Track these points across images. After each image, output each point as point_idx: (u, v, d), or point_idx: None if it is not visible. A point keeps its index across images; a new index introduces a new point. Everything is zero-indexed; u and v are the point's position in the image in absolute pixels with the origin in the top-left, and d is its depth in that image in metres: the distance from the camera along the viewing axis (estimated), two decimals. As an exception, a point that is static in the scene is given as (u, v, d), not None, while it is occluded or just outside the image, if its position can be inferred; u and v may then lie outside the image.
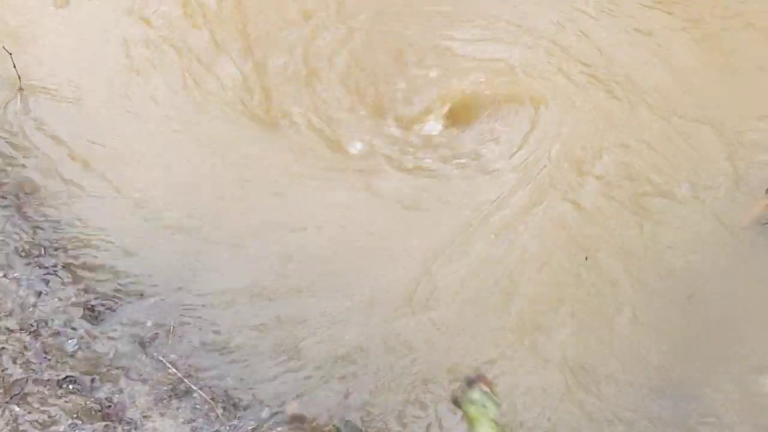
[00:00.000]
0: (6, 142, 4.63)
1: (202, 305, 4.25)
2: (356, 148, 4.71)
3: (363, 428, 3.89)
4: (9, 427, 3.74)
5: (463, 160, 4.68)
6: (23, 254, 4.30)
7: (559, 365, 4.14)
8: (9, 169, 4.61)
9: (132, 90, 4.80)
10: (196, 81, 4.84)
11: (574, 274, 4.36)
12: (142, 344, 4.11)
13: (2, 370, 3.93)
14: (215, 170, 4.63)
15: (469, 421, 1.98)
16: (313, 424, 3.92)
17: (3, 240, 4.35)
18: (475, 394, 2.00)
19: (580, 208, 4.53)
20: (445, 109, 4.82)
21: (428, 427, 3.98)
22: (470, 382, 2.09)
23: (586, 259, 4.37)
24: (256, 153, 4.67)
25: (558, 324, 4.24)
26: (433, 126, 4.80)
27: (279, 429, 3.91)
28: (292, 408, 3.94)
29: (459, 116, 4.82)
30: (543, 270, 4.37)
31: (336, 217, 4.51)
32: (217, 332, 4.18)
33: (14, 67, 4.63)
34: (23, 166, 4.66)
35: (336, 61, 4.92)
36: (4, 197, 4.55)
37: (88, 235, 4.45)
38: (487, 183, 4.61)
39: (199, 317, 4.22)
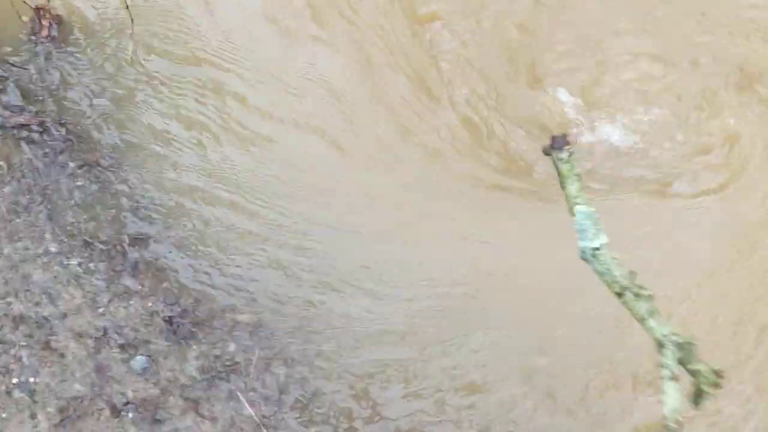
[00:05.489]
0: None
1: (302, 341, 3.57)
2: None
3: None
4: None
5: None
6: (101, 243, 3.71)
7: None
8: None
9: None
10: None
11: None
12: (219, 373, 3.47)
13: (60, 381, 3.39)
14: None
15: (561, 176, 2.11)
16: None
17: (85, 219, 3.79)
18: (564, 154, 2.12)
19: None
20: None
21: None
22: (558, 143, 2.16)
23: None
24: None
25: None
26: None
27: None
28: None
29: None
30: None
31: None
32: (306, 373, 3.49)
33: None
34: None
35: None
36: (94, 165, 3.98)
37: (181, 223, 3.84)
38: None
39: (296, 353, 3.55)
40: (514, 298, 3.71)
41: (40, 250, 3.63)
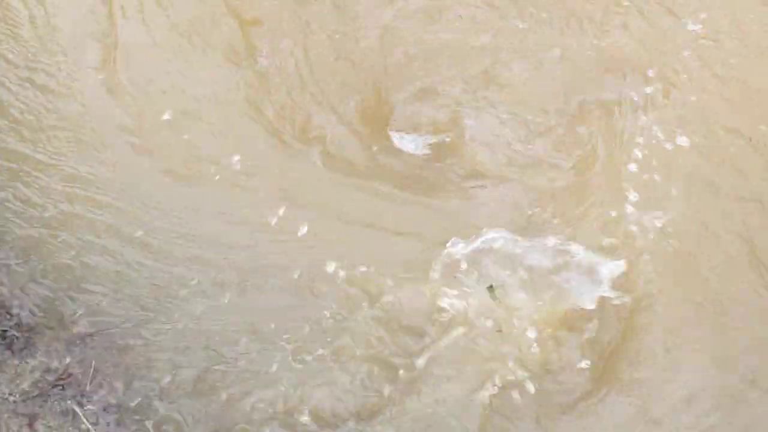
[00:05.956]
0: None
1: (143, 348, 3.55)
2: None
3: None
4: None
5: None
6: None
7: None
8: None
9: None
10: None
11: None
12: (55, 386, 3.44)
13: None
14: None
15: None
16: None
17: None
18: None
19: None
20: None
21: None
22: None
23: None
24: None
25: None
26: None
27: None
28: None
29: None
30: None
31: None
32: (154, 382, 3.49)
33: None
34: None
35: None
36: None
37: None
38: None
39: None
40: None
41: None
